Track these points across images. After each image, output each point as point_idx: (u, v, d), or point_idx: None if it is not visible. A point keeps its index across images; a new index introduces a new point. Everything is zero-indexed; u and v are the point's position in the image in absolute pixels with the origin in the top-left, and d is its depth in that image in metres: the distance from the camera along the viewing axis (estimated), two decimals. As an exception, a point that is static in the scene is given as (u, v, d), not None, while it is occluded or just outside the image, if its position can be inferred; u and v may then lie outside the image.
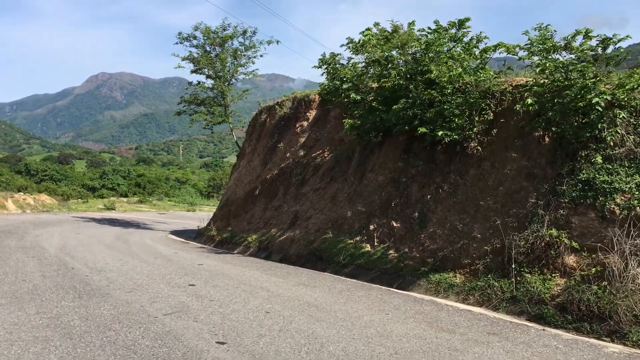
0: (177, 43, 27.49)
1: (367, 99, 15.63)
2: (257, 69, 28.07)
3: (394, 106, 12.24)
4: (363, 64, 15.84)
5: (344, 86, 16.83)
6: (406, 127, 12.73)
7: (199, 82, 27.69)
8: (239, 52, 27.42)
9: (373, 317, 7.95)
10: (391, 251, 13.02)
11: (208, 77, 27.77)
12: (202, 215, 47.30)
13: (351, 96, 16.10)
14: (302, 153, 19.36)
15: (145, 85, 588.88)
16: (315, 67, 16.98)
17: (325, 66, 16.94)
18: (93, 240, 19.02)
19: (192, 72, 27.87)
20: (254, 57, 27.60)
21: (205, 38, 27.04)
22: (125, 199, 57.70)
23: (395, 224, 13.44)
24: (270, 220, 19.20)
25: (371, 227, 14.13)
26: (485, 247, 10.67)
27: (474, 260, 10.78)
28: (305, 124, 20.15)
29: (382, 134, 15.07)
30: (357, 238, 14.36)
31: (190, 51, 26.88)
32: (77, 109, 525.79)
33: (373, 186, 15.05)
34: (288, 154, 20.07)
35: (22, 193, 38.40)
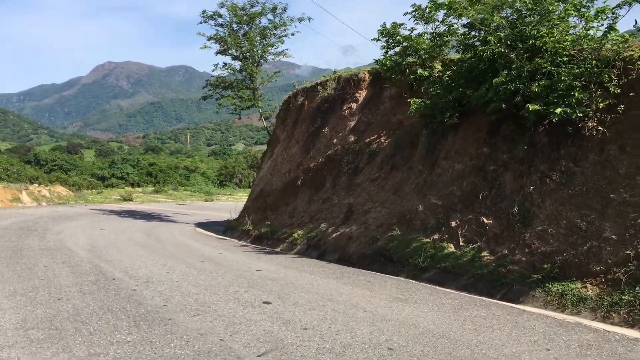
0: (201, 22, 25.38)
1: (440, 75, 13.51)
2: (287, 49, 25.93)
3: (495, 79, 10.11)
4: (432, 34, 13.71)
5: (407, 60, 14.72)
6: (502, 105, 10.60)
7: (225, 64, 25.54)
8: (267, 31, 25.21)
9: (537, 357, 5.91)
10: (484, 253, 10.97)
11: (235, 58, 25.64)
12: (222, 205, 45.50)
13: (418, 72, 13.98)
14: (352, 139, 17.26)
15: (152, 74, 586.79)
16: (374, 39, 14.84)
17: (385, 38, 14.79)
18: (122, 237, 17.08)
19: (218, 53, 25.76)
20: (284, 36, 25.41)
21: (231, 16, 24.84)
22: (140, 189, 55.89)
23: (485, 220, 11.36)
24: (318, 213, 17.17)
25: (452, 223, 12.07)
26: (627, 252, 8.57)
27: (610, 268, 8.71)
28: (354, 106, 18.03)
29: (458, 114, 12.93)
30: (435, 236, 12.31)
31: (217, 30, 24.73)
32: (84, 98, 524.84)
33: (449, 176, 12.97)
34: (335, 140, 17.99)
35: (36, 185, 36.59)
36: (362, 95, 17.98)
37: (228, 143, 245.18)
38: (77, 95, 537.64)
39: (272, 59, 25.91)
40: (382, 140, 16.07)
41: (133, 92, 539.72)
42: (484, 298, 9.41)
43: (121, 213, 29.33)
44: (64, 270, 10.38)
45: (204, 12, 25.15)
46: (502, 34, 10.34)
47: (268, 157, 24.79)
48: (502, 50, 10.23)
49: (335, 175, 17.21)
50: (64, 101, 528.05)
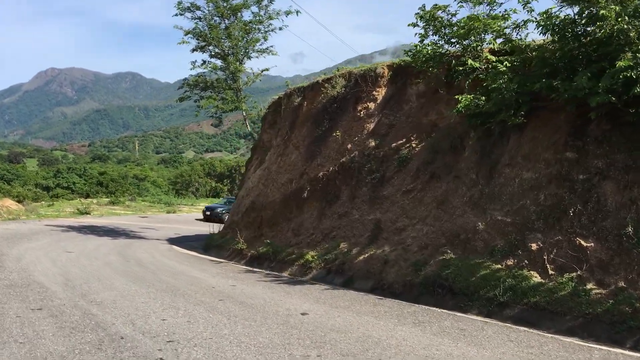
0: (176, 14, 22.48)
1: (494, 65, 11.26)
2: (272, 46, 23.33)
3: (619, 62, 7.83)
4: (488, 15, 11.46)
5: (449, 50, 12.44)
6: (611, 98, 8.36)
7: (204, 62, 22.72)
8: (251, 25, 22.55)
9: None
10: (590, 285, 8.71)
11: (214, 55, 22.84)
12: (186, 217, 42.26)
13: (468, 63, 11.69)
14: (372, 143, 14.82)
15: (97, 81, 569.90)
16: (411, 24, 12.47)
17: (423, 24, 12.46)
18: (97, 263, 14.10)
19: (194, 50, 22.91)
20: (270, 31, 22.80)
21: (211, 8, 22.07)
22: (94, 201, 51.76)
23: (584, 243, 9.10)
24: (333, 231, 14.64)
25: (532, 245, 9.77)
26: None
27: None
28: (371, 105, 15.61)
29: (524, 112, 10.68)
30: (509, 262, 10.00)
31: (195, 23, 21.89)
32: (26, 105, 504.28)
33: (516, 186, 10.70)
34: (349, 145, 15.51)
35: (-21, 198, 32.64)
36: (380, 93, 15.57)
37: (178, 151, 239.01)
38: (18, 103, 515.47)
39: (256, 56, 23.21)
40: (414, 145, 13.69)
41: (78, 99, 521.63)
42: (610, 349, 7.09)
43: (81, 229, 25.95)
44: (47, 324, 7.50)
45: (179, 3, 22.27)
46: (617, 8, 8.09)
47: (256, 165, 22.06)
48: (623, 26, 7.97)
49: (354, 185, 14.71)
50: (4, 109, 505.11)
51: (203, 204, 64.26)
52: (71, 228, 25.89)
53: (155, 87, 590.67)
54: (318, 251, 14.41)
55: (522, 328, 8.30)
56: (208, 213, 36.68)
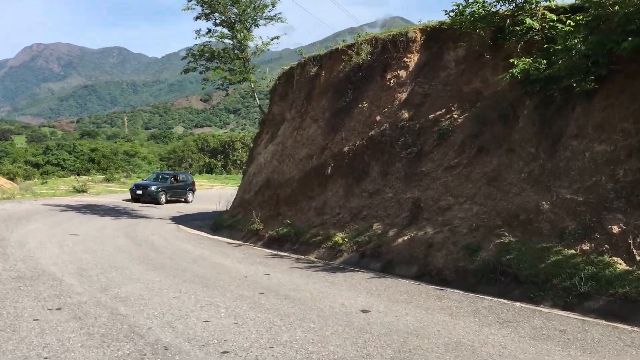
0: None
1: (557, 24, 9.96)
2: (280, 13, 21.80)
3: None
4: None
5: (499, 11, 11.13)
6: None
7: (209, 30, 21.14)
8: (258, -10, 20.97)
9: None
10: (692, 273, 7.49)
11: (219, 24, 21.26)
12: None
13: (525, 22, 10.38)
14: (405, 115, 13.53)
15: (83, 56, 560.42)
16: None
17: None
18: (107, 249, 12.85)
19: (198, 17, 21.31)
20: (279, -4, 21.24)
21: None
22: (89, 178, 50.11)
23: (680, 225, 7.87)
24: (363, 210, 13.42)
25: (612, 227, 8.61)
26: None
27: None
28: (402, 73, 14.27)
29: (594, 77, 9.41)
30: (584, 246, 8.84)
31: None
32: (12, 82, 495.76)
33: (587, 160, 9.49)
34: (378, 117, 14.20)
35: (-30, 177, 31.09)
36: (413, 59, 14.22)
37: (167, 126, 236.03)
38: (4, 79, 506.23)
39: (264, 24, 21.66)
40: (455, 116, 12.41)
41: (64, 74, 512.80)
42: None
43: (81, 209, 24.59)
44: (72, 331, 6.26)
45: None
46: None
47: (267, 140, 20.70)
48: None
49: (386, 161, 13.44)
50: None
51: (199, 180, 62.86)
52: (70, 207, 24.55)
53: (142, 62, 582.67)
54: (347, 232, 13.21)
55: (608, 323, 7.11)
56: (139, 192, 29.97)
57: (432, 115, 12.86)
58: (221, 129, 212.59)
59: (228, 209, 21.99)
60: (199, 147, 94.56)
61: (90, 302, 7.59)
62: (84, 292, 8.23)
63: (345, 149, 14.71)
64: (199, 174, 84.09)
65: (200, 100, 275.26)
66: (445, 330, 6.49)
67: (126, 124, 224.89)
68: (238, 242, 16.26)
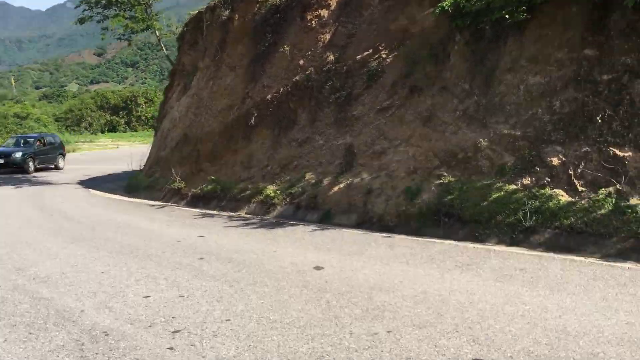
0: None
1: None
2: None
3: None
4: None
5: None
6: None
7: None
8: None
9: None
10: (634, 200, 7.68)
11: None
12: (91, 156, 38.66)
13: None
14: (331, 57, 12.94)
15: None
16: None
17: None
18: (14, 221, 11.74)
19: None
20: None
21: None
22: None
23: (619, 153, 8.03)
24: (293, 161, 12.90)
25: (552, 160, 8.61)
26: None
27: None
28: (324, 13, 13.59)
29: (525, 8, 9.24)
30: (525, 181, 8.83)
31: None
32: None
33: (522, 94, 9.42)
34: (302, 61, 13.53)
35: None
36: (333, -2, 13.52)
37: (60, 84, 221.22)
38: None
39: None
40: (384, 56, 11.97)
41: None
42: None
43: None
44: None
45: None
46: None
47: (179, 92, 19.52)
48: None
49: (314, 107, 12.89)
50: None
51: (103, 139, 59.65)
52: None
53: (25, 16, 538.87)
54: (279, 185, 12.67)
55: (578, 258, 7.11)
56: (1, 161, 25.79)
57: (359, 56, 12.35)
58: (119, 84, 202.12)
59: (142, 168, 20.79)
60: (98, 104, 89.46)
61: (4, 287, 6.66)
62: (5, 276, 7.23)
63: (269, 96, 13.98)
64: (102, 132, 79.92)
65: (94, 54, 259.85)
66: (408, 281, 6.18)
67: (13, 84, 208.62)
68: (160, 203, 15.33)
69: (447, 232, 9.06)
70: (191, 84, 18.21)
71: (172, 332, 5.03)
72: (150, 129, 64.04)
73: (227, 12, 16.53)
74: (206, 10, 18.08)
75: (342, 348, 4.48)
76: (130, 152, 30.44)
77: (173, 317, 5.42)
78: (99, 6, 19.60)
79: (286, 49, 13.78)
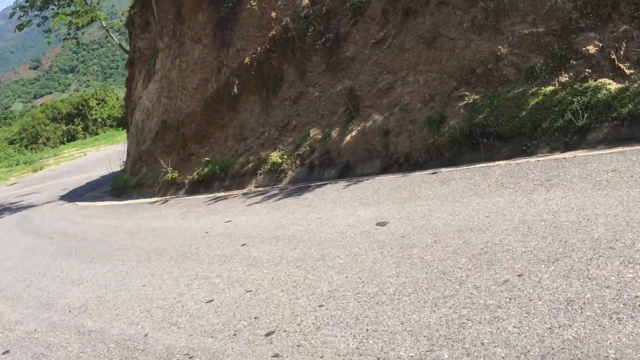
0: None
1: None
2: None
3: None
4: None
5: None
6: None
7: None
8: None
9: None
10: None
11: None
12: (61, 169, 37.04)
13: None
14: (305, 1, 11.86)
15: None
16: None
17: None
18: (15, 253, 10.58)
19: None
20: None
21: None
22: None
23: (664, 23, 7.21)
24: (291, 121, 11.99)
25: (588, 49, 7.88)
26: None
27: None
28: (286, -44, 12.39)
29: None
30: (562, 79, 8.11)
31: None
32: None
33: (534, -12, 8.48)
34: (274, 14, 12.43)
35: None
36: (292, -64, 12.34)
37: (3, 107, 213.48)
38: None
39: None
40: (364, -15, 10.92)
41: None
42: None
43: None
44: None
45: None
46: None
47: (144, 80, 18.22)
48: None
49: (300, 58, 11.89)
50: None
51: (68, 150, 57.49)
52: None
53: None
54: (283, 149, 11.79)
55: (631, 148, 6.42)
56: None
57: (337, -8, 11.29)
58: (64, 92, 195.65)
59: (124, 168, 19.67)
60: (50, 117, 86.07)
61: (41, 329, 5.76)
62: (23, 318, 6.31)
63: (247, 60, 12.91)
64: (62, 144, 77.19)
65: (30, 68, 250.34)
66: (495, 214, 5.44)
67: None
68: (157, 199, 14.35)
69: (489, 154, 8.31)
70: (155, 68, 16.96)
71: (266, 336, 4.23)
72: (112, 129, 62.05)
73: (175, -18, 15.18)
74: (151, -14, 16.69)
75: (479, 307, 3.72)
76: (99, 156, 29.12)
77: (255, 318, 4.62)
78: (34, 9, 17.98)
79: (253, 4, 12.64)
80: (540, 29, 8.37)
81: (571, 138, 7.56)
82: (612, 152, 6.40)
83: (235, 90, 13.16)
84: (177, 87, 15.36)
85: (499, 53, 8.77)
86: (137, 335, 4.94)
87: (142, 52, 18.54)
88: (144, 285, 6.38)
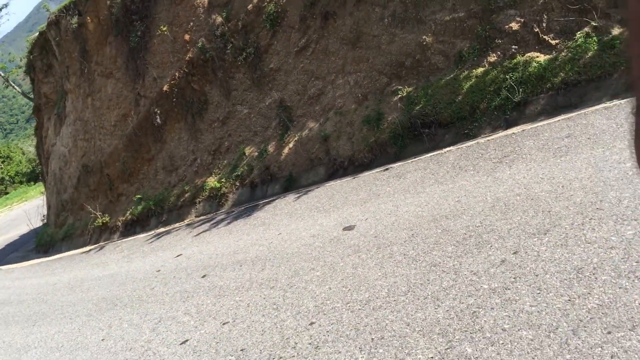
0: None
1: None
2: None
3: None
4: None
5: None
6: None
7: None
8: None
9: None
10: (615, 30, 7.22)
11: None
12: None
13: None
14: (218, 19, 11.60)
15: None
16: None
17: None
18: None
19: None
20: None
21: None
22: None
23: (579, -9, 7.46)
24: (223, 142, 11.66)
25: (511, 26, 8.01)
26: None
27: None
28: (190, -24, 12.03)
29: None
30: (491, 59, 8.24)
31: None
32: None
33: (448, -26, 8.59)
34: (187, 37, 12.03)
35: None
36: (194, -44, 12.00)
37: None
38: None
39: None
40: (277, -5, 10.75)
41: None
42: None
43: None
44: None
45: None
46: None
47: (54, 126, 17.22)
48: None
49: (222, 78, 11.54)
50: None
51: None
52: None
53: None
54: (219, 173, 11.36)
55: (574, 113, 6.54)
56: None
57: (250, 5, 11.04)
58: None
59: (46, 222, 18.48)
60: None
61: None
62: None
63: (165, 87, 12.40)
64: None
65: None
66: (466, 198, 5.29)
67: None
68: (91, 247, 13.51)
69: (433, 143, 8.28)
70: (66, 111, 16.04)
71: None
72: (23, 185, 58.74)
73: (76, 19, 14.46)
74: (48, 27, 15.85)
75: (485, 293, 3.53)
76: (15, 214, 27.36)
77: (242, 350, 4.23)
78: None
79: (164, 29, 12.16)
80: (461, 13, 8.44)
81: (511, 114, 7.62)
82: (558, 120, 6.45)
83: (158, 120, 12.60)
84: (93, 127, 14.57)
85: (424, 43, 8.78)
86: (112, 394, 4.42)
87: (48, 97, 17.52)
88: (102, 340, 5.81)
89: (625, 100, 6.17)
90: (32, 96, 18.43)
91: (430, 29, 8.75)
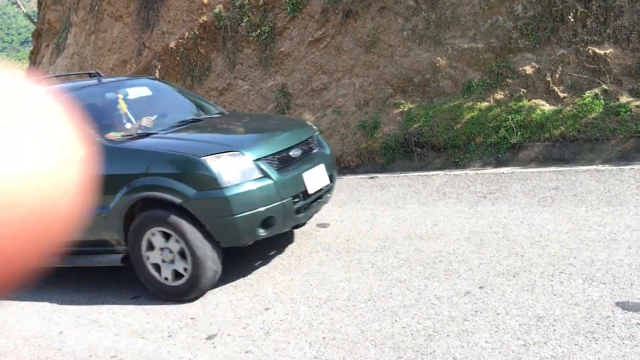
0: None
1: None
2: None
3: None
4: None
5: None
6: None
7: None
8: None
9: None
10: (624, 98, 7.31)
11: None
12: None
13: None
14: (241, -10, 11.43)
15: None
16: None
17: None
18: None
19: None
20: None
21: None
22: None
23: (598, 51, 7.58)
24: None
25: (525, 69, 8.11)
26: None
27: None
28: (224, -59, 11.90)
29: None
30: (498, 96, 8.33)
31: None
32: None
33: (475, 3, 8.69)
34: (206, 0, 11.88)
35: None
36: None
37: None
38: None
39: None
40: (306, -20, 10.69)
41: None
42: None
43: None
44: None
45: None
46: None
47: (51, 55, 16.97)
48: None
49: (231, 49, 11.44)
50: None
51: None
52: None
53: None
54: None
55: (560, 169, 6.62)
56: None
57: (276, -15, 10.94)
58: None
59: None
60: None
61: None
62: None
63: (172, 44, 12.24)
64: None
65: None
66: (443, 223, 5.32)
67: None
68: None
69: (422, 164, 8.30)
70: (66, 43, 15.76)
71: (207, 339, 3.81)
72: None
73: (98, -47, 14.20)
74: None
75: (444, 318, 3.55)
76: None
77: (192, 319, 4.19)
78: None
79: (185, -17, 12.00)
80: (480, 45, 8.47)
81: (503, 154, 7.67)
82: (549, 171, 6.51)
83: (157, 74, 12.43)
84: (90, 66, 14.33)
85: (437, 64, 8.80)
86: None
87: (51, 25, 17.21)
88: None
89: (617, 167, 6.26)
90: (35, 19, 18.04)
91: (446, 53, 8.77)
